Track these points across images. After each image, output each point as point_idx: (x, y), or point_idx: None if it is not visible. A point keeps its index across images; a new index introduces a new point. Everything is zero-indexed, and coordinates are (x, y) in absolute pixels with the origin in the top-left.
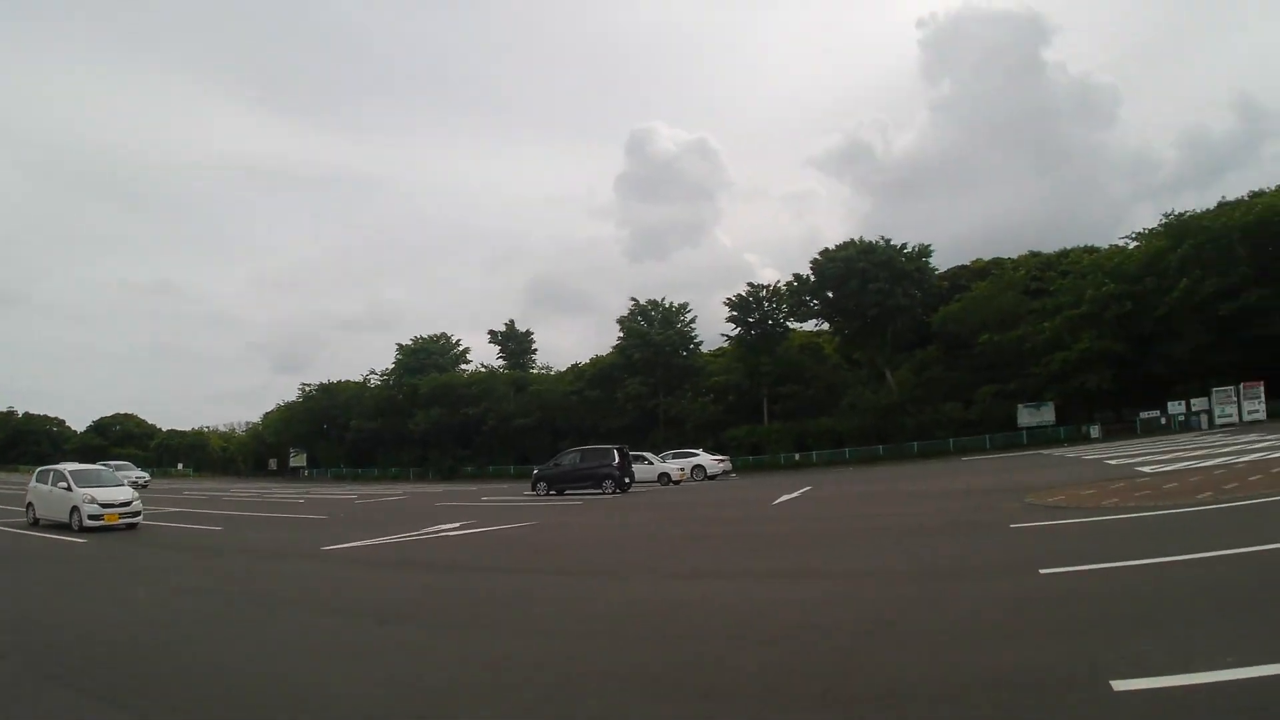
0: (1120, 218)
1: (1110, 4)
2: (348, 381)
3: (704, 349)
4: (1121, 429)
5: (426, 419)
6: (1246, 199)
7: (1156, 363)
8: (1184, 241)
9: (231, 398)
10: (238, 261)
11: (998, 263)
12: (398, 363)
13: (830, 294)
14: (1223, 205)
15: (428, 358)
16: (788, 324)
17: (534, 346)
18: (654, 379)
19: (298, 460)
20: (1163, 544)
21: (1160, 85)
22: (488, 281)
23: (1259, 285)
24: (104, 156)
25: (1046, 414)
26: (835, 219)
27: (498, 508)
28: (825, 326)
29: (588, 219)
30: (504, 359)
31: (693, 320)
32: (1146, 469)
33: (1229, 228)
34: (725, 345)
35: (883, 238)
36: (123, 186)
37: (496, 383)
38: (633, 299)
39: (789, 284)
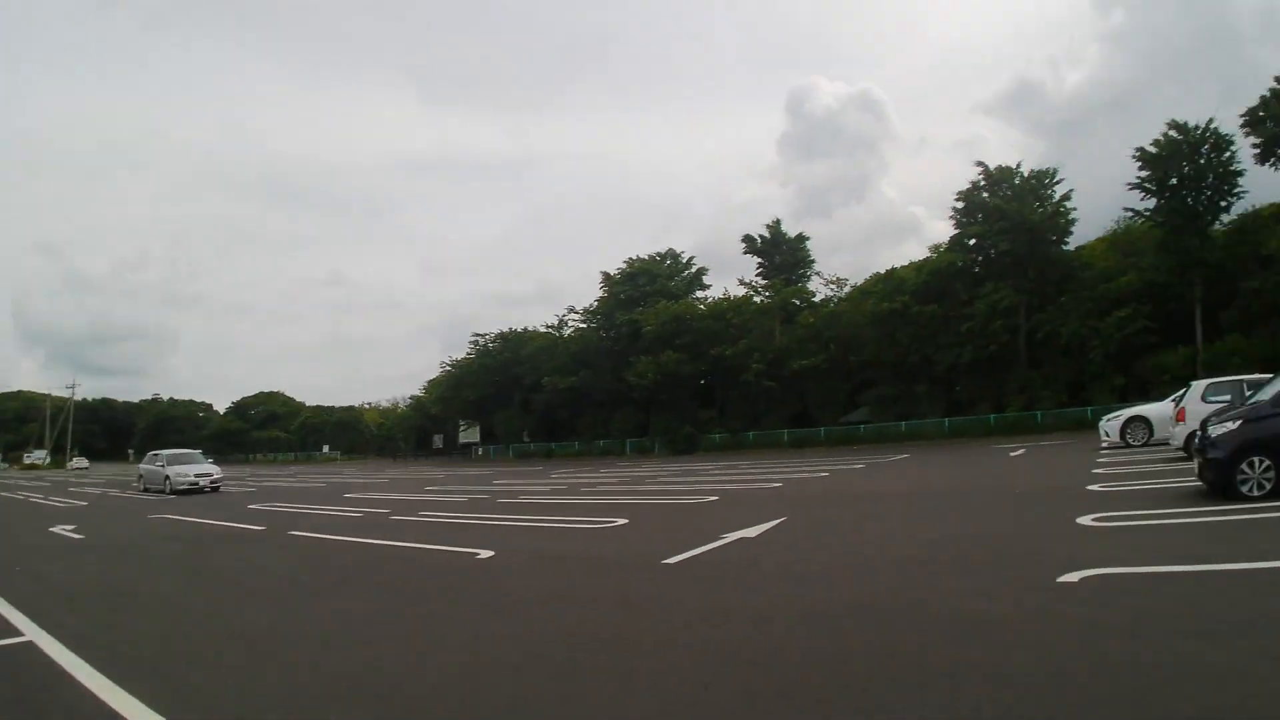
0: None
1: None
2: (534, 330)
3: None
4: None
5: (653, 368)
6: None
7: None
8: None
9: (400, 379)
10: (405, 250)
11: None
12: (604, 297)
13: None
14: None
15: (650, 283)
16: (1235, 178)
17: (811, 259)
18: (1026, 282)
19: (468, 434)
20: None
21: None
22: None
23: None
24: (272, 163)
25: None
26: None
27: None
28: None
29: (750, 181)
30: (765, 274)
31: (1068, 196)
32: None
33: None
34: (1111, 230)
35: None
36: (293, 189)
37: (759, 310)
38: (979, 163)
39: (1248, 112)
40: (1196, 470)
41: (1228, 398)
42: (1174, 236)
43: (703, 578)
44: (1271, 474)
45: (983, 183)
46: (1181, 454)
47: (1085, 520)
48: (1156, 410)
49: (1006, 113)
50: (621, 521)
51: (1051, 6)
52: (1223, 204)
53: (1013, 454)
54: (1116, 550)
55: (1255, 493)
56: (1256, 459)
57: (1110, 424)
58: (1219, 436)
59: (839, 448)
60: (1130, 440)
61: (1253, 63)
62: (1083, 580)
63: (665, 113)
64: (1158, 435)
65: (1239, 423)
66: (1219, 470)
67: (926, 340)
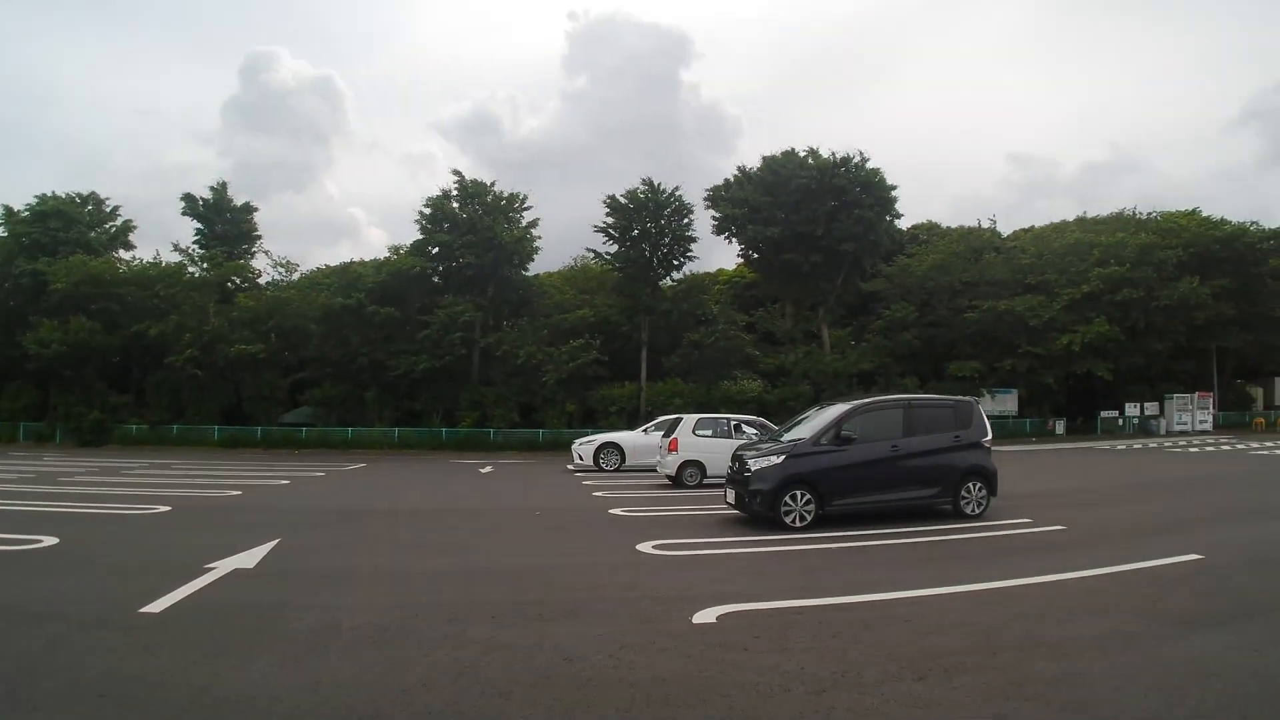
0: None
1: (754, 44)
2: None
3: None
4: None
5: (59, 336)
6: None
7: (1135, 356)
8: (1173, 240)
9: None
10: None
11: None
12: (4, 237)
13: (783, 213)
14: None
15: (66, 229)
16: (689, 242)
17: (258, 233)
18: (485, 299)
19: None
20: None
21: (778, 130)
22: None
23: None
24: None
25: (1009, 403)
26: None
27: None
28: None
29: (186, 143)
30: (205, 244)
31: (535, 223)
32: None
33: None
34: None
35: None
36: None
37: (193, 284)
38: (455, 172)
39: (711, 190)
40: (734, 499)
41: (709, 433)
42: (629, 282)
43: (221, 642)
44: (811, 506)
45: (454, 192)
46: (668, 481)
47: (647, 548)
48: (629, 438)
49: (461, 139)
50: (49, 541)
51: (526, 52)
52: (675, 262)
53: (483, 470)
54: (719, 583)
55: (798, 523)
56: (798, 491)
57: (584, 448)
58: (763, 469)
59: (278, 450)
60: (603, 465)
61: (685, 153)
62: (721, 620)
63: (101, 36)
64: (630, 462)
65: (783, 457)
66: (765, 501)
67: (380, 343)
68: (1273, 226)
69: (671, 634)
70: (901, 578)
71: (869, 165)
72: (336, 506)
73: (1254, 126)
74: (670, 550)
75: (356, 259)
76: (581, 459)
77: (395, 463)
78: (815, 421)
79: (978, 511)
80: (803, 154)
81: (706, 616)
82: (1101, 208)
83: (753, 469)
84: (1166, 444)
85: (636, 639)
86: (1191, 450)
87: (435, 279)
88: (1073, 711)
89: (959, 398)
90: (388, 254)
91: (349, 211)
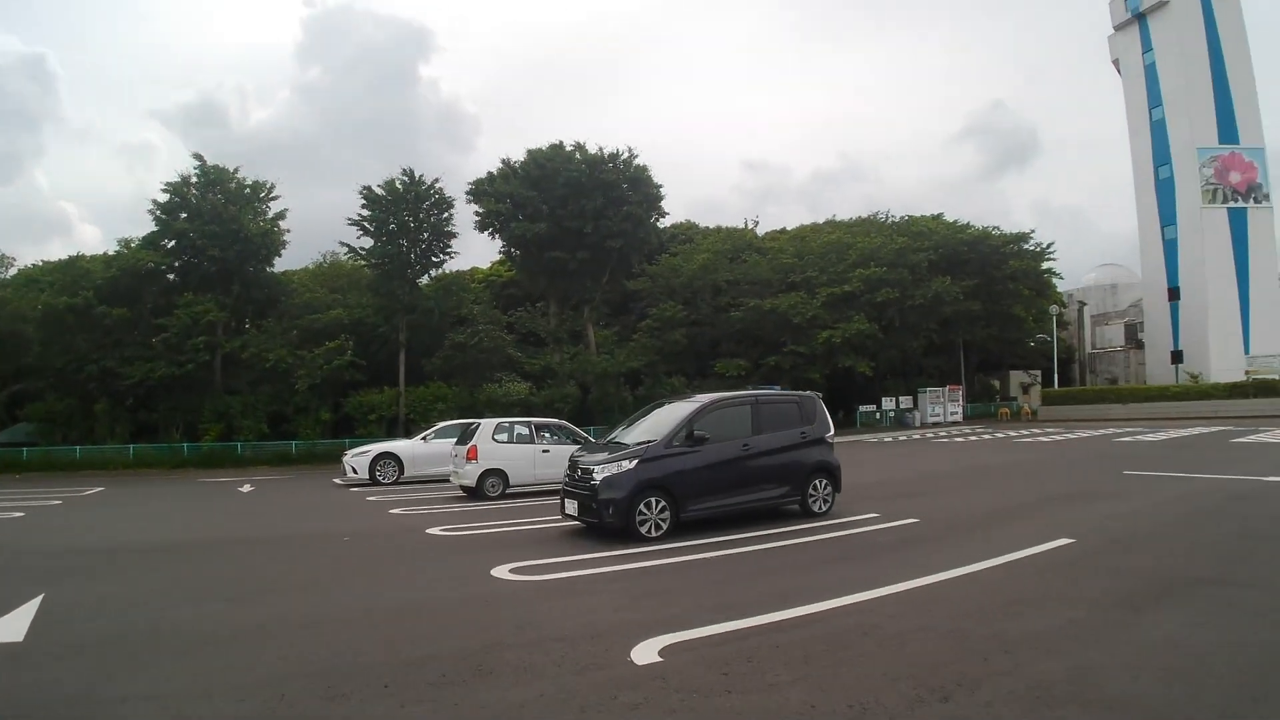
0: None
1: (495, 40)
2: None
3: None
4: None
5: None
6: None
7: (892, 352)
8: (924, 242)
9: None
10: None
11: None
12: None
13: (548, 208)
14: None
15: None
16: (449, 238)
17: None
18: (229, 298)
19: None
20: None
21: (516, 129)
22: None
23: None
24: None
25: None
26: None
27: None
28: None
29: None
30: None
31: (282, 215)
32: None
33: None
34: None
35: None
36: None
37: None
38: (196, 155)
39: (474, 184)
40: (576, 510)
41: (509, 438)
42: (385, 279)
43: None
44: (667, 514)
45: (194, 179)
46: (463, 493)
47: (504, 574)
48: (407, 447)
49: (184, 129)
50: None
51: (257, 39)
52: (435, 259)
53: (244, 489)
54: (625, 611)
55: (654, 533)
56: (653, 499)
57: (358, 459)
58: (614, 476)
59: None
60: (380, 477)
61: (425, 151)
62: (667, 656)
63: None
64: (409, 472)
65: (635, 462)
66: (620, 511)
67: (110, 349)
68: (1012, 231)
69: (624, 682)
70: (809, 586)
71: (637, 162)
72: (96, 544)
73: (974, 142)
74: (534, 575)
75: (62, 258)
76: (355, 471)
77: (137, 484)
78: (656, 421)
79: (824, 509)
80: (570, 148)
81: (646, 654)
82: (833, 213)
83: (600, 477)
84: (929, 435)
85: (590, 696)
86: (957, 440)
87: (172, 276)
88: (1119, 711)
89: (803, 393)
90: (118, 248)
91: (59, 205)
